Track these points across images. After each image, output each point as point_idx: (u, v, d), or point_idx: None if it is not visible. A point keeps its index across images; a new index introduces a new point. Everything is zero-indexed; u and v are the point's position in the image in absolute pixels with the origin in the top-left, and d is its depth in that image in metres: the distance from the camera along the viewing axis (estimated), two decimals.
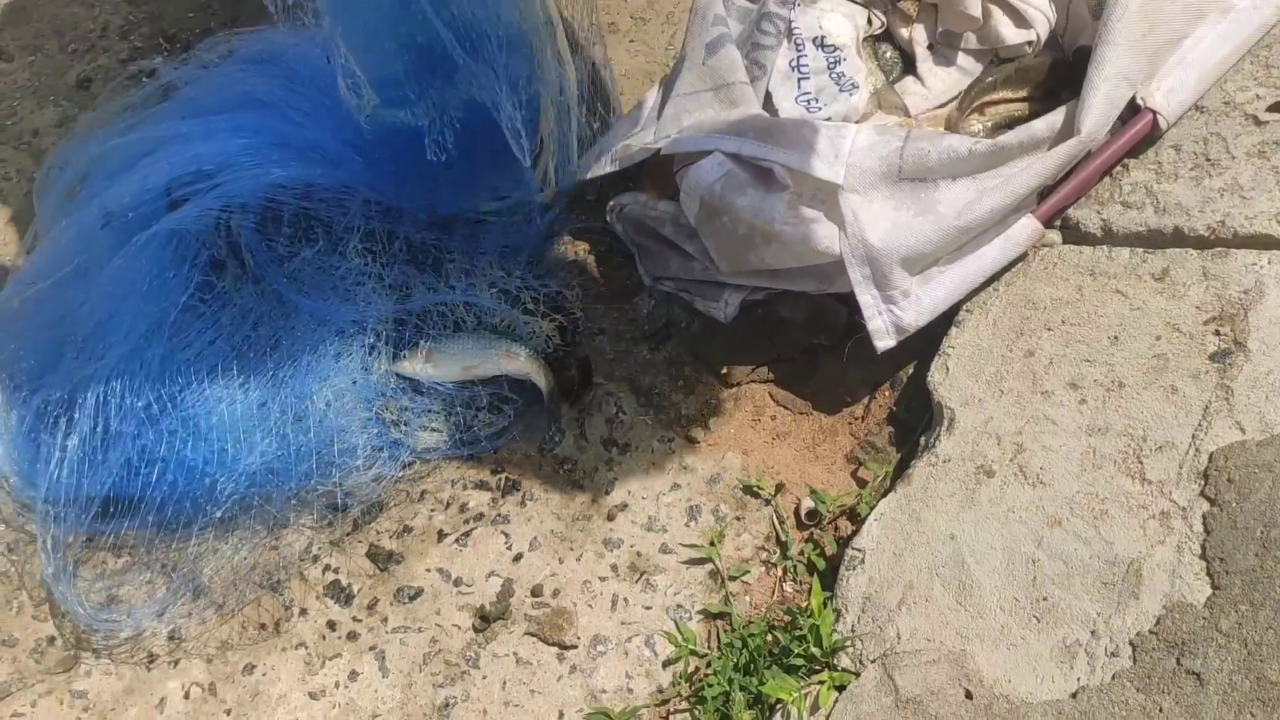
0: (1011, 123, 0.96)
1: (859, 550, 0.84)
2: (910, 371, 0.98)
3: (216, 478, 0.93)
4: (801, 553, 0.91)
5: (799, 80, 0.98)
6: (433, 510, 0.97)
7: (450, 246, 1.05)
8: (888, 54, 1.03)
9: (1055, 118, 0.89)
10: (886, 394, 0.98)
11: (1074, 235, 0.94)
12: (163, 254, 0.99)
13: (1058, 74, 0.98)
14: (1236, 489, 0.73)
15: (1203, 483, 0.75)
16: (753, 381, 1.02)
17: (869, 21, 1.02)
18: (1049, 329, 0.88)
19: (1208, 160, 0.90)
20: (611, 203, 1.05)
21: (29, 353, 0.98)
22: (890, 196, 0.90)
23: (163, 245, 0.99)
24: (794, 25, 1.00)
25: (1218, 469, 0.75)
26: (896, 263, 0.87)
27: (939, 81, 1.01)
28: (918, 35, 1.03)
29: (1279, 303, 0.80)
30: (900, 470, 0.91)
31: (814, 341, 1.01)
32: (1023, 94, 0.99)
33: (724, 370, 1.02)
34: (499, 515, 0.97)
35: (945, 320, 0.94)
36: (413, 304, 1.00)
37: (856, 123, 0.96)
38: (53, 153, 1.13)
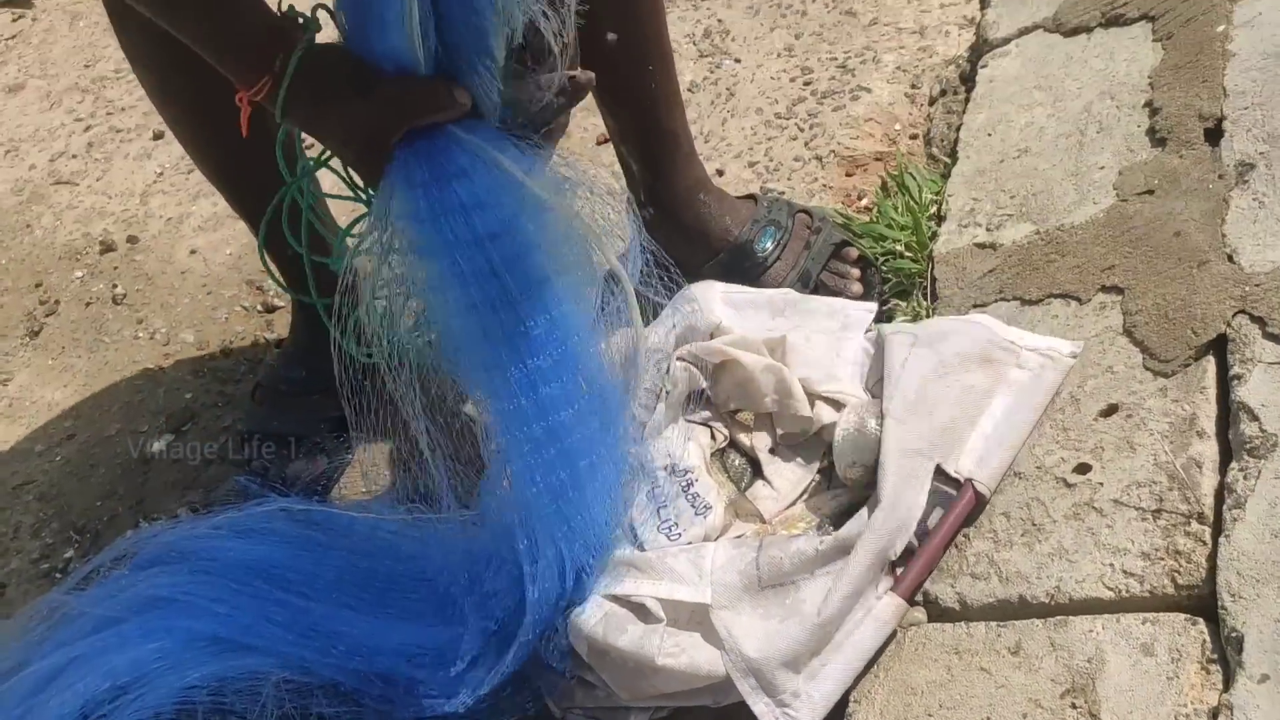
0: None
1: None
2: None
3: None
4: None
5: (658, 509, 1.07)
6: None
7: (363, 716, 1.08)
8: (736, 463, 1.14)
9: (874, 500, 0.99)
10: None
11: (936, 611, 1.01)
12: None
13: None
14: None
15: None
16: None
17: (712, 437, 1.13)
18: (930, 715, 0.94)
19: (1034, 526, 1.00)
20: None
21: None
22: (757, 606, 0.98)
23: None
24: (644, 458, 1.10)
25: None
26: (778, 667, 0.94)
27: (785, 482, 1.12)
28: (759, 441, 1.15)
29: (1118, 669, 0.87)
30: None
31: None
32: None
33: None
34: None
35: (837, 715, 0.99)
36: None
37: (715, 540, 1.05)
38: None
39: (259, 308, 1.62)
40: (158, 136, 1.93)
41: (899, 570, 0.99)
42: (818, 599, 0.96)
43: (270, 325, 1.59)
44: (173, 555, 1.18)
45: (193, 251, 1.74)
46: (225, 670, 1.05)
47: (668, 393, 1.15)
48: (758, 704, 0.96)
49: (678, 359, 1.18)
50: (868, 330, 1.16)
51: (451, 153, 0.96)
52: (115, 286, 1.71)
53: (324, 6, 0.97)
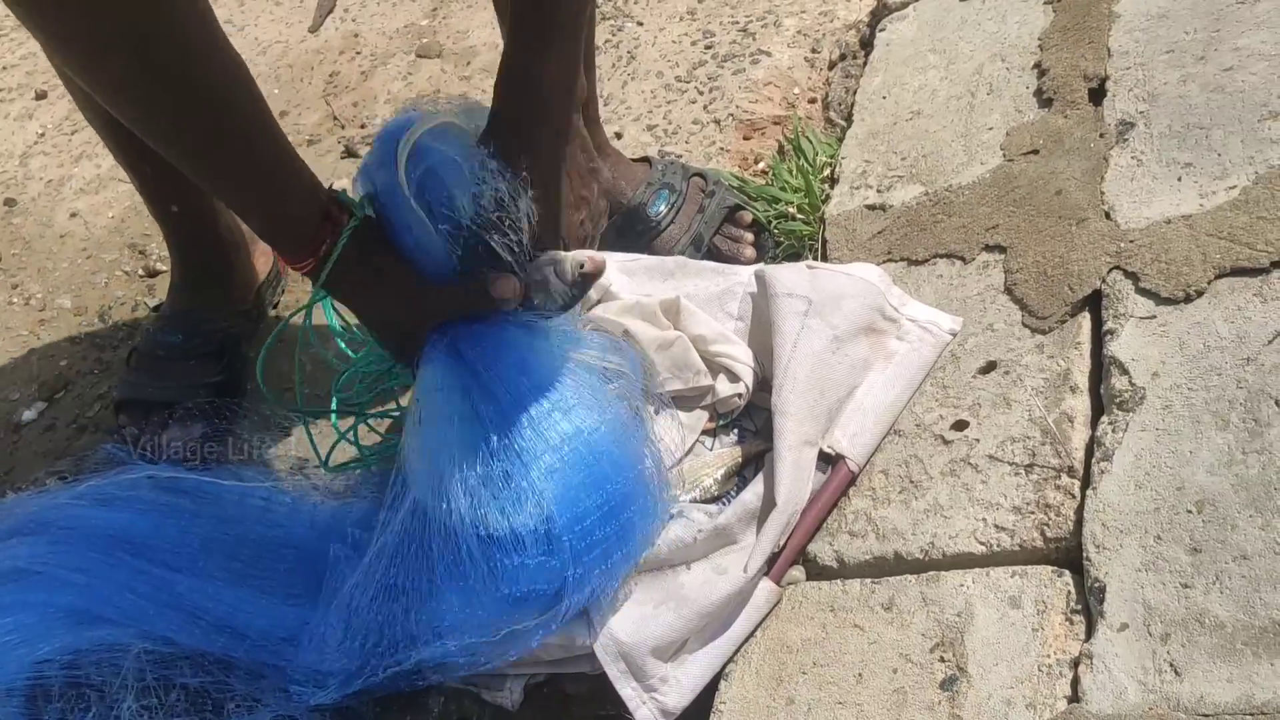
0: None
1: None
2: None
3: None
4: None
5: None
6: None
7: (231, 687, 1.05)
8: None
9: (758, 485, 0.98)
10: None
11: (814, 570, 1.00)
12: None
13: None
14: None
15: None
16: None
17: None
18: (804, 672, 0.93)
19: (911, 483, 0.99)
20: None
21: None
22: (632, 591, 0.96)
23: None
24: None
25: None
26: (648, 654, 0.92)
27: (668, 441, 1.09)
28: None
29: (986, 622, 0.87)
30: None
31: (603, 713, 1.03)
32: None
33: None
34: None
35: (710, 684, 0.97)
36: None
37: None
38: None
39: (140, 272, 1.56)
40: (40, 96, 1.86)
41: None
42: (696, 590, 0.95)
43: (151, 290, 1.53)
44: (32, 525, 1.12)
45: (73, 215, 1.67)
46: (82, 642, 1.01)
47: None
48: (625, 688, 0.94)
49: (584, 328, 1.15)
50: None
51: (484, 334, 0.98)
52: None
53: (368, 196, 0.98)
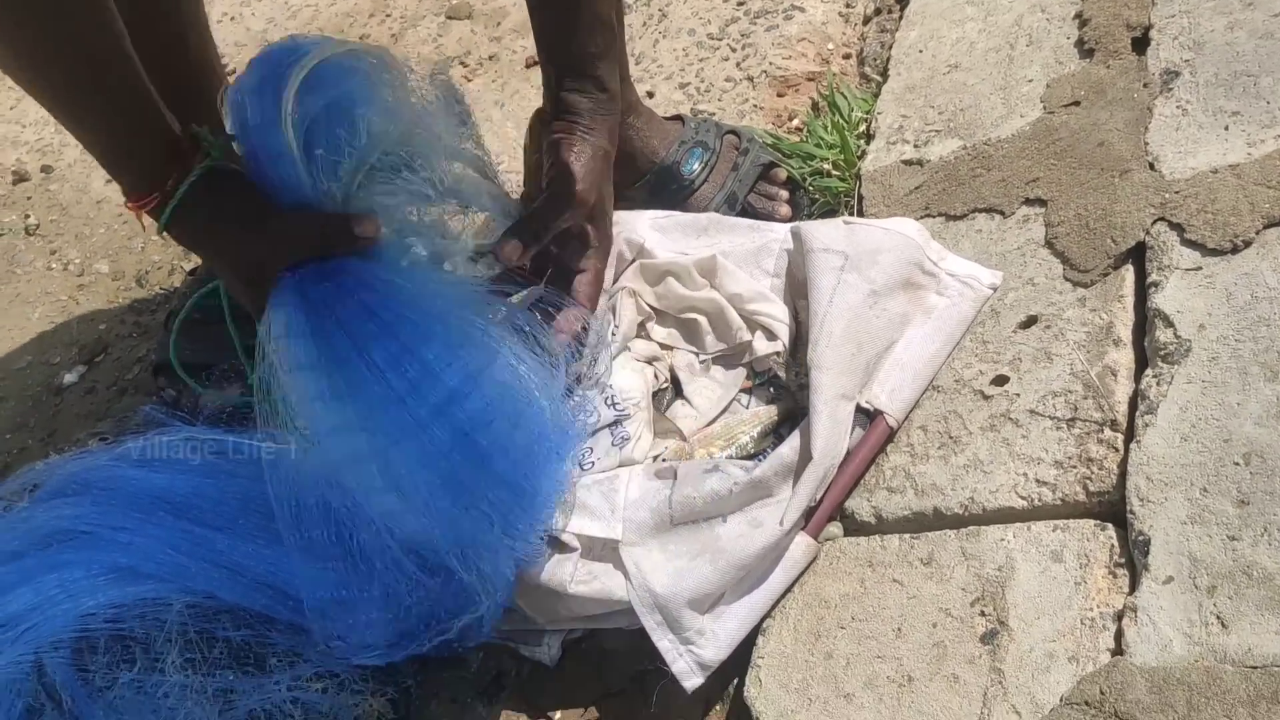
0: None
1: None
2: (736, 684, 1.00)
3: None
4: None
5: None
6: None
7: (272, 639, 1.06)
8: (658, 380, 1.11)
9: (795, 440, 0.97)
10: (718, 712, 1.00)
11: (852, 525, 0.99)
12: None
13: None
14: None
15: None
16: None
17: (655, 376, 1.10)
18: (842, 627, 0.93)
19: (950, 438, 0.98)
20: None
21: None
22: (669, 543, 0.96)
23: None
24: (582, 386, 1.07)
25: None
26: (684, 606, 0.92)
27: (705, 401, 1.09)
28: (679, 360, 1.12)
29: (1028, 576, 0.86)
30: None
31: (641, 668, 1.03)
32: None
33: (557, 715, 1.03)
34: None
35: (753, 629, 0.97)
36: (235, 713, 1.00)
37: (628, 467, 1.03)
38: None
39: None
40: None
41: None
42: (732, 542, 0.94)
43: (188, 254, 1.54)
44: (74, 486, 1.14)
45: (109, 180, 1.68)
46: (125, 597, 1.02)
47: (615, 327, 1.11)
48: (662, 640, 0.94)
49: (619, 289, 1.14)
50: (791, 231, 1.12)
51: (339, 278, 0.91)
52: (28, 217, 1.65)
53: (231, 135, 0.94)
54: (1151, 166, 1.03)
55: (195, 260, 1.52)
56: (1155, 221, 0.98)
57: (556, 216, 1.08)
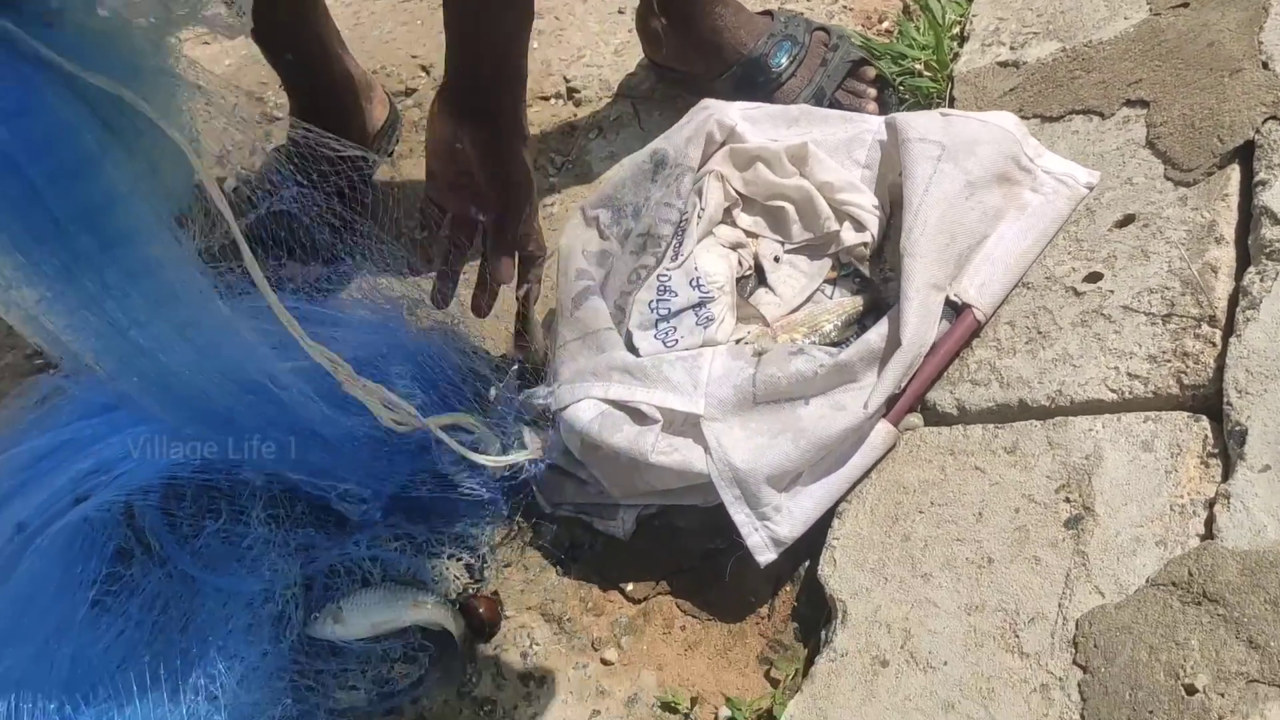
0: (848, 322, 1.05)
1: None
2: (808, 565, 1.01)
3: None
4: None
5: (656, 321, 1.05)
6: None
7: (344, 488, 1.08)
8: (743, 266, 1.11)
9: (883, 327, 0.96)
10: (789, 590, 1.01)
11: (933, 417, 0.99)
12: (68, 552, 1.01)
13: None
14: (1103, 654, 0.77)
15: (1073, 651, 0.78)
16: (659, 594, 1.05)
17: (739, 263, 1.10)
18: (921, 511, 0.93)
19: (1039, 333, 0.97)
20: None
21: None
22: (750, 421, 0.97)
23: (68, 543, 1.01)
24: (667, 265, 1.07)
25: (1084, 635, 0.78)
26: (763, 481, 0.93)
27: (789, 289, 1.09)
28: (765, 249, 1.11)
29: (1116, 465, 0.86)
30: (808, 666, 0.93)
31: (712, 546, 1.05)
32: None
33: (629, 587, 1.05)
34: None
35: (828, 511, 0.98)
36: (317, 566, 1.03)
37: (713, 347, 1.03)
38: None
39: (257, 118, 1.57)
40: None
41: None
42: (813, 423, 0.94)
43: (269, 136, 1.54)
44: None
45: (190, 64, 1.68)
46: (210, 452, 1.04)
47: (701, 210, 1.11)
48: (738, 514, 0.95)
49: (708, 172, 1.13)
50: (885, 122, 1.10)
51: None
52: None
53: None
54: (1265, 65, 1.00)
55: (276, 141, 1.53)
56: (1267, 120, 0.96)
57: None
